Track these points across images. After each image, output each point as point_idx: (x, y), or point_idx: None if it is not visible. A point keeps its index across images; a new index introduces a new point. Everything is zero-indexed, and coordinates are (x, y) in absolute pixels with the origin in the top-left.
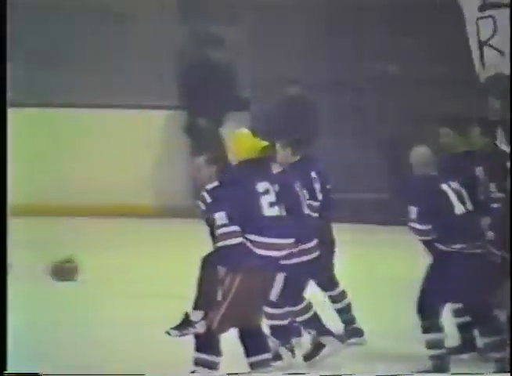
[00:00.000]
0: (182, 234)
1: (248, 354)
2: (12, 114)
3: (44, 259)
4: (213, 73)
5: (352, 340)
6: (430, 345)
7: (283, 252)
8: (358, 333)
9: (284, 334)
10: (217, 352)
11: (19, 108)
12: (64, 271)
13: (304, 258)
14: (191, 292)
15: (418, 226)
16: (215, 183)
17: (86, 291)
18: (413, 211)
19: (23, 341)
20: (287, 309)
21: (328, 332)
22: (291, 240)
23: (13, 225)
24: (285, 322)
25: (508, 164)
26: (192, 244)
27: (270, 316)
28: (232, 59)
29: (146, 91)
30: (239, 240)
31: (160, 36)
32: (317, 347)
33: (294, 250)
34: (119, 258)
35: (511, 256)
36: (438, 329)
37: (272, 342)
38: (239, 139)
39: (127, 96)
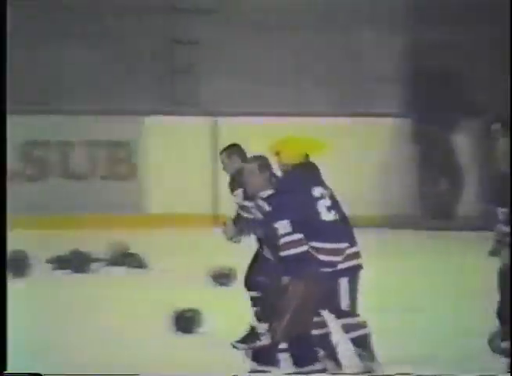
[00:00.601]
0: (409, 245)
1: (297, 364)
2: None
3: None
4: (443, 79)
5: None
6: (505, 353)
7: (342, 257)
8: None
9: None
10: (275, 362)
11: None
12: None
13: (356, 262)
14: (427, 305)
15: (503, 228)
16: (270, 190)
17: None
18: (501, 212)
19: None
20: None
21: (376, 359)
22: (347, 244)
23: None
24: (365, 331)
25: None
26: (422, 255)
27: (347, 328)
28: (462, 64)
29: (370, 98)
30: (305, 248)
31: (385, 43)
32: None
33: (349, 252)
34: None
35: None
36: None
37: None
38: (290, 144)
39: (348, 105)
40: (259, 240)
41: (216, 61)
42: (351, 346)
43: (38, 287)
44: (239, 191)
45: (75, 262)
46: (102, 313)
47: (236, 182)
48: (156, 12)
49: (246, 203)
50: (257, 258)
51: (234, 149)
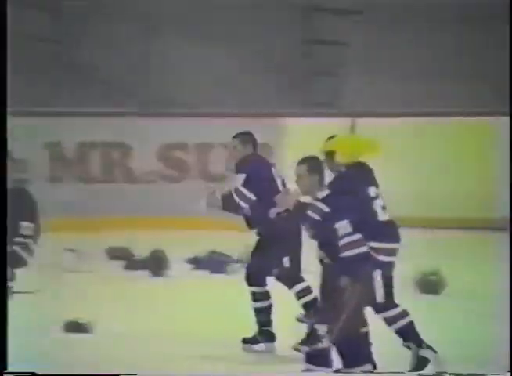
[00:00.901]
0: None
1: (347, 364)
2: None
3: (412, 271)
4: None
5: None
6: None
7: (396, 257)
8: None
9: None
10: (329, 363)
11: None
12: (428, 284)
13: (391, 259)
14: None
15: None
16: (326, 191)
17: (449, 306)
18: None
19: None
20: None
21: (428, 345)
22: (399, 244)
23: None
24: (408, 320)
25: None
26: None
27: (391, 321)
28: None
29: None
30: (365, 248)
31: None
32: (421, 363)
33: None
34: (474, 273)
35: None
36: None
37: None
38: (343, 145)
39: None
40: (262, 235)
41: (356, 62)
42: (395, 342)
43: (176, 286)
44: (241, 176)
45: (213, 263)
46: (241, 313)
47: (239, 168)
48: (297, 12)
49: (244, 190)
50: (256, 252)
51: (249, 137)
